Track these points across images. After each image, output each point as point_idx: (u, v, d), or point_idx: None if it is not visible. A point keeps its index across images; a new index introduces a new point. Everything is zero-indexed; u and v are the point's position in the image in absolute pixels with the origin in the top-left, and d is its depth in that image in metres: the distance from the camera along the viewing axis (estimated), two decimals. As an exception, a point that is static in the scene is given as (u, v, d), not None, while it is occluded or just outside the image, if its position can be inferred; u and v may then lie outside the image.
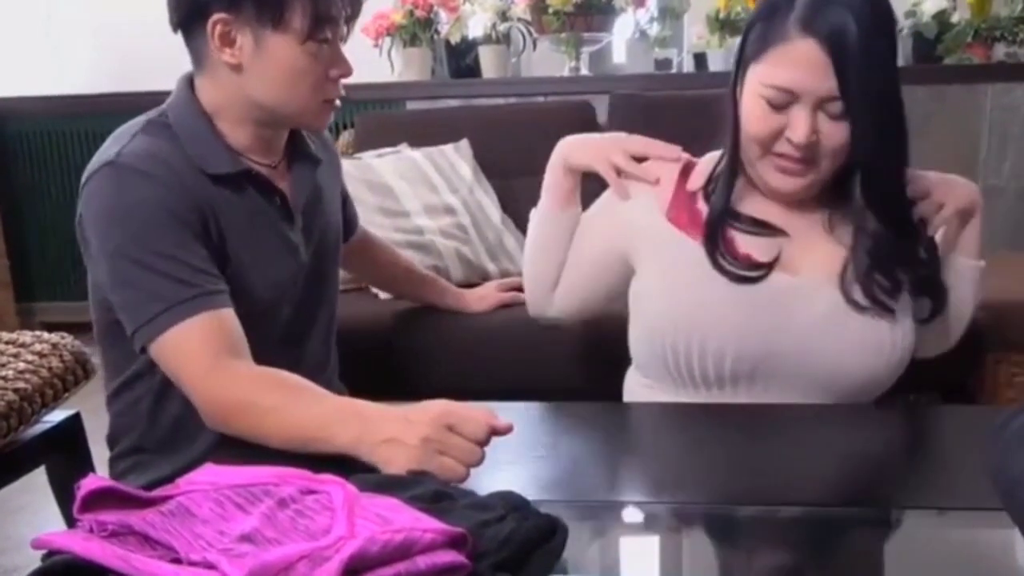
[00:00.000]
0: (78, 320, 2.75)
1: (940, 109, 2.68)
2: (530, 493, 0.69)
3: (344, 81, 1.10)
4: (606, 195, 1.20)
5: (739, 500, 0.80)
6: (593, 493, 0.82)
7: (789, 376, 1.05)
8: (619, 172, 1.16)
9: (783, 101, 0.97)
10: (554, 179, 1.22)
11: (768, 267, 1.05)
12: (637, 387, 1.17)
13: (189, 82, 1.10)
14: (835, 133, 0.98)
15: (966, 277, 1.12)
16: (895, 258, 1.04)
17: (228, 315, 0.99)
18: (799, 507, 0.79)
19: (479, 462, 0.78)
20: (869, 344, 1.04)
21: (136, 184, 0.99)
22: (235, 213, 1.07)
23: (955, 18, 2.80)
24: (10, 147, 3.31)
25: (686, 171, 1.14)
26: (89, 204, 1.02)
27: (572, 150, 1.21)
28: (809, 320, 1.04)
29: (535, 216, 1.24)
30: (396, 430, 0.80)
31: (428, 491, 0.68)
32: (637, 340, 1.14)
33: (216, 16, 1.01)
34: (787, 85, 0.96)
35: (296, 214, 1.15)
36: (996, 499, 0.65)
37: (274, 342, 1.13)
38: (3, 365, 1.36)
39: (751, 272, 1.05)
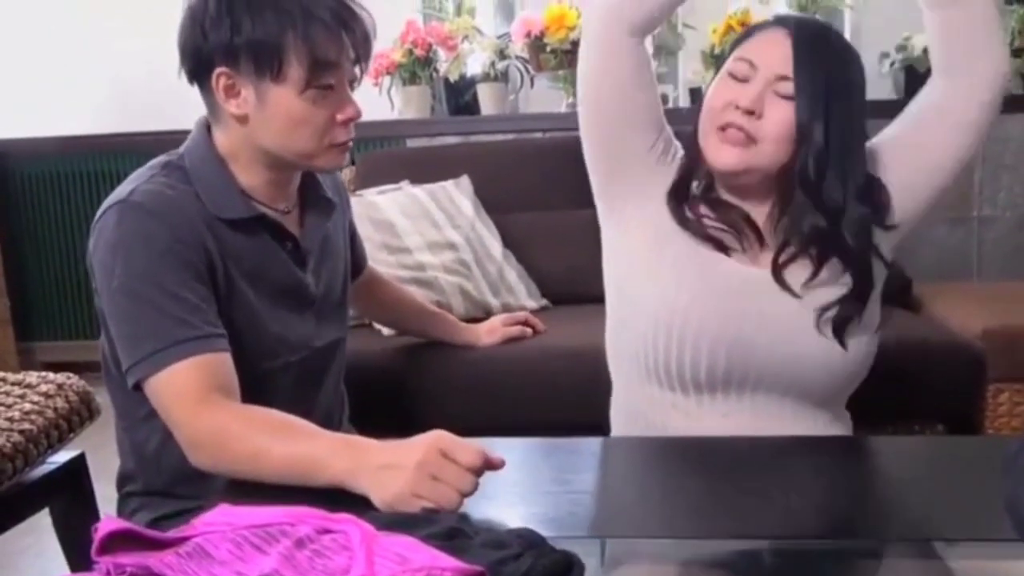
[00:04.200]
0: (79, 359, 2.77)
1: (933, 140, 2.71)
2: (545, 529, 0.69)
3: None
4: None
5: (751, 534, 0.80)
6: (608, 529, 0.82)
7: (764, 373, 1.07)
8: None
9: (742, 74, 1.07)
10: None
11: (723, 242, 1.09)
12: (619, 416, 1.19)
13: (207, 126, 1.11)
14: (778, 111, 1.05)
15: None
16: (829, 244, 1.07)
17: (223, 359, 0.99)
18: (807, 540, 0.79)
19: (473, 490, 0.79)
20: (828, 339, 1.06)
21: (142, 221, 1.01)
22: (246, 258, 1.08)
23: (945, 51, 2.84)
24: (12, 186, 3.33)
25: None
26: (97, 242, 1.04)
27: None
28: (773, 309, 1.07)
29: None
30: (390, 457, 0.81)
31: (444, 529, 0.68)
32: (622, 316, 1.16)
33: (219, 70, 1.03)
34: (748, 56, 1.07)
35: (309, 258, 1.16)
36: (1007, 530, 0.65)
37: (288, 388, 1.13)
38: (9, 406, 1.36)
39: (708, 231, 1.09)
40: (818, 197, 1.05)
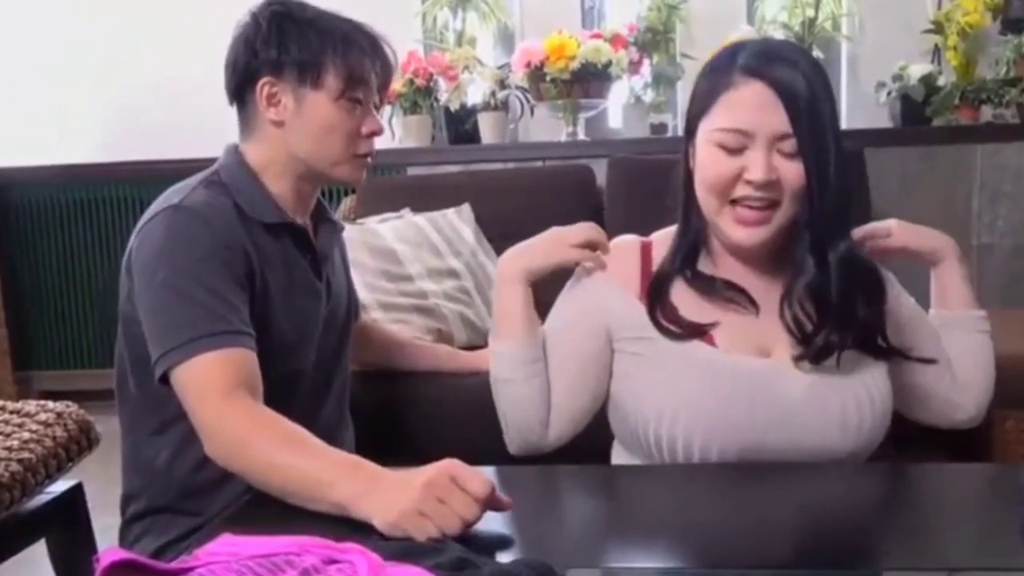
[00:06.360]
0: (77, 388, 2.75)
1: (931, 169, 2.73)
2: (552, 558, 0.68)
3: None
4: (568, 293, 1.14)
5: (754, 563, 0.79)
6: (618, 558, 0.81)
7: (775, 459, 1.03)
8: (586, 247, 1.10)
9: (737, 144, 0.98)
10: (511, 302, 1.10)
11: (704, 329, 1.03)
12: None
13: (235, 148, 1.22)
14: (792, 171, 0.98)
15: (966, 327, 1.12)
16: (844, 317, 1.02)
17: (251, 357, 1.04)
18: (810, 570, 0.78)
19: (476, 519, 0.78)
20: (850, 415, 1.03)
21: (191, 225, 1.08)
22: (278, 264, 1.16)
23: (941, 81, 2.87)
24: (11, 215, 3.34)
25: (647, 251, 1.11)
26: (144, 242, 1.09)
27: (527, 258, 1.10)
28: (788, 401, 1.02)
29: (500, 360, 1.12)
30: (399, 482, 0.81)
31: (451, 559, 0.67)
32: (620, 424, 1.10)
33: (264, 80, 1.15)
34: (740, 126, 0.97)
35: (324, 268, 1.24)
36: (1012, 558, 0.64)
37: (303, 394, 1.19)
38: (7, 435, 1.35)
39: (684, 331, 1.03)
40: (825, 245, 1.01)
